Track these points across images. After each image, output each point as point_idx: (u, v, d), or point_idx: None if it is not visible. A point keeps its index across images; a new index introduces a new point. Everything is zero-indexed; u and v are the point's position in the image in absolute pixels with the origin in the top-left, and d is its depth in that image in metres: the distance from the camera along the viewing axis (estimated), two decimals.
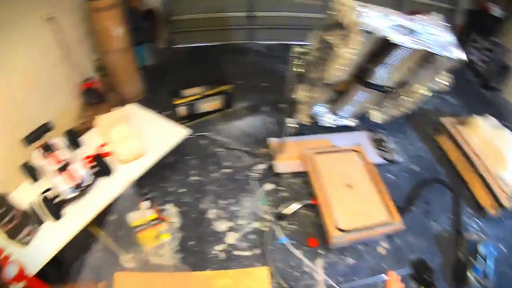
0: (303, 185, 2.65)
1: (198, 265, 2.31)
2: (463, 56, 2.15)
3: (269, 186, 2.63)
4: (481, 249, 2.29)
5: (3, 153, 2.39)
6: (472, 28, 4.67)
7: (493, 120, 3.15)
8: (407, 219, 2.43)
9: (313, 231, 2.39)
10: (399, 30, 2.05)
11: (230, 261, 2.30)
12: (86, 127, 3.02)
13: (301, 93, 2.55)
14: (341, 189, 2.44)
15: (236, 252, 2.33)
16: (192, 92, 3.04)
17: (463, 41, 4.74)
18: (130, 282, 2.33)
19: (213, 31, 4.28)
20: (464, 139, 3.00)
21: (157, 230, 2.44)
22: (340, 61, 2.11)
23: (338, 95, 2.73)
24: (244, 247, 2.35)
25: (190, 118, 3.09)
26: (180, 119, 3.02)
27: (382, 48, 2.25)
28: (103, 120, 2.42)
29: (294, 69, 2.49)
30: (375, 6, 2.10)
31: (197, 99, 3.01)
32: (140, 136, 2.23)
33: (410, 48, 2.12)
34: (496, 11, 4.14)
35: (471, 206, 2.76)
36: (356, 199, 2.42)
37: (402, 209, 2.48)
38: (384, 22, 2.02)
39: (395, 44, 2.07)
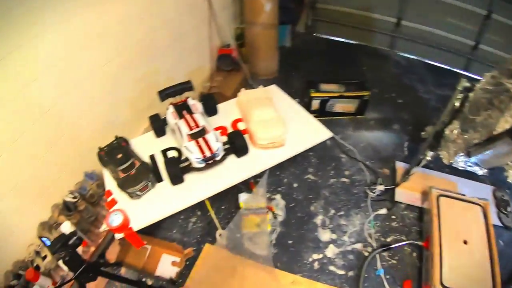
0: (416, 221, 2.46)
1: (288, 266, 2.28)
2: None
3: (382, 211, 2.48)
4: None
5: (135, 99, 2.49)
6: None
7: None
8: None
9: (412, 273, 2.22)
10: None
11: (322, 274, 2.23)
12: (216, 92, 3.03)
13: (453, 131, 2.35)
14: (457, 242, 2.24)
15: (331, 267, 2.25)
16: (329, 88, 2.94)
17: None
18: (216, 257, 2.35)
19: (355, 29, 4.05)
20: None
21: (261, 218, 2.43)
22: None
23: (486, 140, 2.50)
24: (340, 264, 2.26)
25: (321, 113, 3.00)
26: (310, 112, 2.93)
27: None
28: (245, 95, 2.32)
29: (454, 103, 2.29)
30: None
31: (334, 97, 2.90)
32: (285, 125, 2.10)
33: None
34: None
35: None
36: (468, 258, 2.21)
37: (504, 283, 2.27)
38: None
39: None
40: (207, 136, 1.93)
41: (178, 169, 1.91)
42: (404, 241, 2.34)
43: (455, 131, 2.33)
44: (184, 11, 2.72)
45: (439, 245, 2.20)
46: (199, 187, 1.93)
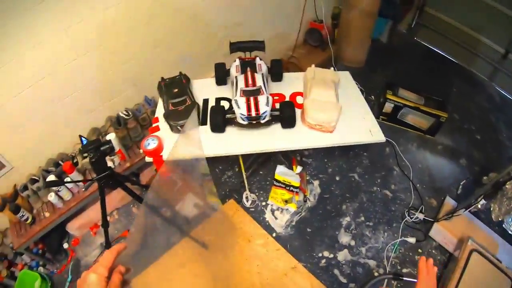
0: (440, 265, 2.26)
1: (296, 252, 2.26)
2: None
3: (411, 239, 2.34)
4: None
5: (204, 45, 2.60)
6: None
7: None
8: None
9: None
10: None
11: (324, 273, 2.18)
12: (292, 62, 2.96)
13: None
14: None
15: (335, 271, 2.19)
16: (408, 95, 2.76)
17: None
18: (234, 215, 2.41)
19: (458, 46, 3.69)
20: None
21: (290, 196, 2.42)
22: None
23: None
24: (345, 272, 2.19)
25: (390, 118, 2.84)
26: (381, 113, 2.81)
27: None
28: (313, 72, 2.22)
29: None
30: None
31: (409, 106, 2.72)
32: (338, 113, 2.02)
33: None
34: None
35: None
36: None
37: None
38: None
39: None
40: (259, 97, 1.91)
41: (221, 118, 1.93)
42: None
43: None
44: None
45: None
46: (238, 142, 1.94)
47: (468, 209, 2.24)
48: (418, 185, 2.62)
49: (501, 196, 2.20)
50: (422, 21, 3.91)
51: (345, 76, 2.40)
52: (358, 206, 2.48)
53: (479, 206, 2.23)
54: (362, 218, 2.43)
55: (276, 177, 2.42)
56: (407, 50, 3.86)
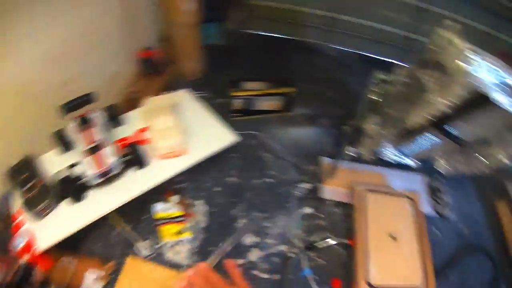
0: (344, 218, 2.40)
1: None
2: None
3: (308, 210, 2.42)
4: None
5: (40, 116, 2.32)
6: None
7: None
8: (442, 286, 2.18)
9: (340, 272, 2.17)
10: (504, 90, 1.78)
11: (246, 279, 2.14)
12: (134, 98, 2.91)
13: (370, 125, 2.32)
14: (383, 239, 2.22)
15: (254, 272, 2.17)
16: (253, 86, 2.85)
17: None
18: (140, 269, 2.26)
19: (288, 24, 3.93)
20: None
21: (181, 226, 2.35)
22: (430, 109, 1.85)
23: (408, 133, 2.48)
24: (264, 268, 2.18)
25: (245, 113, 2.91)
26: (234, 112, 2.85)
27: (475, 101, 1.98)
28: (151, 102, 2.24)
29: (370, 96, 2.25)
30: (485, 53, 1.82)
31: (256, 95, 2.81)
32: (186, 132, 2.04)
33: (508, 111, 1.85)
34: None
35: None
36: (396, 254, 2.19)
37: (438, 273, 2.25)
38: (491, 76, 1.75)
39: (492, 102, 1.80)
40: (103, 151, 1.88)
41: (75, 187, 1.86)
42: (331, 240, 2.29)
43: (373, 126, 2.29)
44: (97, 15, 2.58)
45: (365, 242, 2.17)
46: (102, 202, 1.89)
47: (344, 160, 2.36)
48: (293, 160, 2.73)
49: (364, 137, 2.34)
50: (248, 13, 4.06)
51: (182, 95, 2.45)
52: (247, 204, 2.49)
53: (351, 153, 2.37)
54: (256, 213, 2.44)
55: (157, 216, 2.33)
56: (244, 45, 3.98)
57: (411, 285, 2.07)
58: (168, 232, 2.31)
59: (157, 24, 3.30)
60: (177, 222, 2.33)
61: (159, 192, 2.17)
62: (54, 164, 2.07)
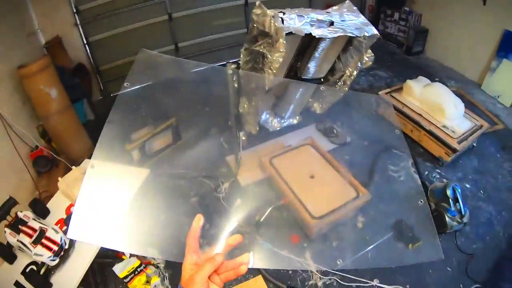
0: (270, 190, 2.68)
1: None
2: (376, 32, 2.32)
3: (238, 201, 2.65)
4: (449, 192, 2.46)
5: None
6: (383, 4, 5.01)
7: (424, 80, 3.39)
8: (374, 190, 2.56)
9: (293, 228, 2.44)
10: (318, 25, 2.20)
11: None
12: (48, 195, 2.97)
13: (243, 106, 2.64)
14: (305, 181, 2.54)
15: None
16: (141, 134, 3.04)
17: (379, 19, 5.10)
18: None
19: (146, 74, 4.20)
20: (403, 104, 3.22)
21: (146, 275, 2.45)
22: (273, 66, 2.23)
23: (278, 99, 2.84)
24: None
25: (146, 159, 3.08)
26: (136, 164, 3.01)
27: (308, 44, 2.41)
28: (64, 181, 2.38)
29: (232, 85, 2.57)
30: (292, 9, 2.24)
31: (147, 139, 3.01)
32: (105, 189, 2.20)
33: (331, 38, 2.27)
34: None
35: (428, 160, 2.96)
36: (321, 186, 2.53)
37: (366, 183, 2.61)
38: (303, 21, 2.17)
39: (318, 38, 2.21)
40: (47, 234, 2.02)
41: (40, 277, 1.96)
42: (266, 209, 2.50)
43: (245, 105, 2.63)
44: None
45: (293, 193, 2.46)
46: (68, 279, 2.01)
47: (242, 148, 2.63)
48: (204, 173, 2.95)
49: (243, 118, 2.66)
50: (107, 79, 4.42)
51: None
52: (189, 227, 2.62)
53: (243, 138, 2.65)
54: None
55: (122, 275, 2.41)
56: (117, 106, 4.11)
57: (349, 199, 2.43)
58: (139, 285, 2.41)
59: (35, 121, 3.38)
60: (140, 272, 2.44)
61: (111, 254, 2.27)
62: (9, 276, 2.12)
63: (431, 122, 3.07)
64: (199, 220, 0.93)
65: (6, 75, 3.06)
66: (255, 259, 1.65)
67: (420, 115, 3.13)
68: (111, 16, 4.09)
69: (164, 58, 2.51)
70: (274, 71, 2.28)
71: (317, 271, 2.32)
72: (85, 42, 4.11)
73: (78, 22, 4.00)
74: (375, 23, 5.05)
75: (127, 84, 2.17)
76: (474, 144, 3.27)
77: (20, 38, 3.50)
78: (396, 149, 3.01)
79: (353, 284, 2.28)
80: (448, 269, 2.41)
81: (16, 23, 3.50)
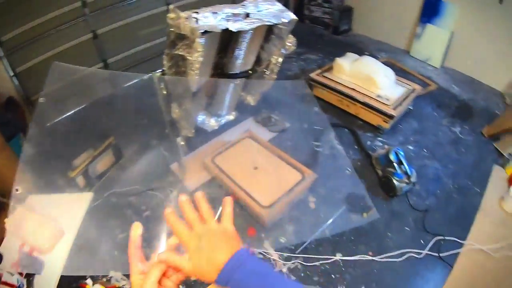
0: (218, 189, 2.69)
1: None
2: (293, 16, 2.37)
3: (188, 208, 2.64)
4: (392, 157, 2.56)
5: None
6: None
7: (352, 55, 3.50)
8: (320, 169, 2.64)
9: (247, 222, 2.45)
10: (234, 19, 2.22)
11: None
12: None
13: (175, 111, 2.63)
14: (250, 174, 2.56)
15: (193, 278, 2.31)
16: (83, 159, 2.98)
17: (303, 4, 5.19)
18: None
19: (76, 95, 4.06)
20: (335, 81, 3.31)
21: None
22: (194, 66, 2.23)
23: (210, 98, 2.85)
24: None
25: (92, 183, 3.02)
26: (83, 189, 2.96)
27: (229, 40, 2.43)
28: (10, 222, 2.31)
29: (161, 92, 2.57)
30: (206, 8, 2.25)
31: (89, 163, 2.95)
32: (51, 218, 2.15)
33: (250, 30, 2.30)
34: None
35: (368, 130, 3.07)
36: (266, 175, 2.55)
37: (311, 164, 2.67)
38: (218, 18, 2.18)
39: (237, 32, 2.23)
40: (3, 278, 1.96)
41: None
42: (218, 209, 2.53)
43: (177, 110, 2.63)
44: None
45: (239, 187, 2.48)
46: None
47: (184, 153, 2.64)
48: (152, 186, 2.89)
49: (178, 123, 2.65)
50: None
51: (32, 198, 2.55)
52: (144, 242, 2.58)
53: (182, 143, 2.66)
54: (156, 242, 2.56)
55: None
56: (52, 138, 3.66)
57: (295, 182, 2.47)
58: None
59: None
60: None
61: (74, 286, 2.22)
62: None
63: (365, 94, 3.16)
64: (137, 228, 0.90)
65: None
66: None
67: (353, 89, 3.22)
68: (35, 42, 3.92)
69: (79, 70, 2.48)
70: (197, 71, 2.28)
71: (279, 258, 2.34)
72: (11, 74, 3.95)
73: (3, 54, 3.85)
74: (300, 9, 5.21)
75: (42, 100, 2.15)
76: (411, 108, 3.41)
77: None
78: (336, 126, 3.13)
79: (317, 263, 2.31)
80: (407, 228, 2.48)
81: None
